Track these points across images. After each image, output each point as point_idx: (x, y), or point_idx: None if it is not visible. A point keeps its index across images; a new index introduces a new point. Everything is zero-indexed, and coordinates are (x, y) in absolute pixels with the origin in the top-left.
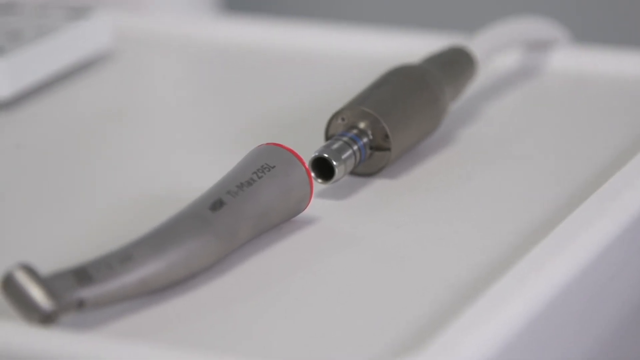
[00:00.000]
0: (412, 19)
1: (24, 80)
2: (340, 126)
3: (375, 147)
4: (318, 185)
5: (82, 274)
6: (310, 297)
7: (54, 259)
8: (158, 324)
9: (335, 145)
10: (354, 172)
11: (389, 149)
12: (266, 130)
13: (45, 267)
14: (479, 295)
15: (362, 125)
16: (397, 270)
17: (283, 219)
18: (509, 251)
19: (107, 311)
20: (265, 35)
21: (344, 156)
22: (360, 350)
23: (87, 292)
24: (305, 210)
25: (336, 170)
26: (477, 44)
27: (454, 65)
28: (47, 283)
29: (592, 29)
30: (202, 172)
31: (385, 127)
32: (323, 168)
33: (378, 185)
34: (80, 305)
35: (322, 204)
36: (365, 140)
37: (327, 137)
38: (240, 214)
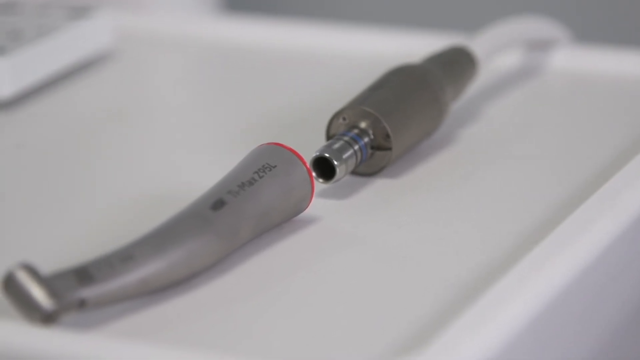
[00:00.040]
0: (413, 18)
1: (24, 80)
2: (342, 126)
3: (376, 147)
4: (319, 184)
5: (83, 274)
6: (311, 297)
7: (55, 258)
8: (159, 324)
9: (337, 145)
10: (355, 172)
11: (390, 149)
12: (267, 129)
13: (46, 266)
14: (480, 295)
15: (363, 124)
16: (398, 270)
17: (284, 219)
18: (509, 251)
19: (108, 311)
20: (266, 35)
21: (345, 156)
22: (361, 350)
23: (88, 292)
24: (306, 209)
25: (337, 170)
26: (478, 44)
27: (455, 65)
28: (48, 283)
29: (593, 29)
30: (203, 172)
31: (386, 126)
32: (324, 168)
33: (379, 185)
34: (82, 304)
35: (323, 203)
36: (366, 139)
37: (328, 136)
38: (241, 213)
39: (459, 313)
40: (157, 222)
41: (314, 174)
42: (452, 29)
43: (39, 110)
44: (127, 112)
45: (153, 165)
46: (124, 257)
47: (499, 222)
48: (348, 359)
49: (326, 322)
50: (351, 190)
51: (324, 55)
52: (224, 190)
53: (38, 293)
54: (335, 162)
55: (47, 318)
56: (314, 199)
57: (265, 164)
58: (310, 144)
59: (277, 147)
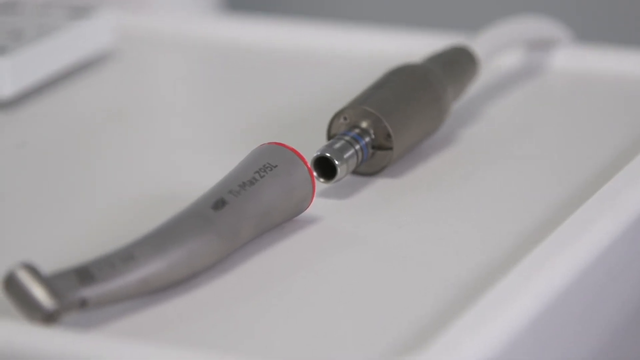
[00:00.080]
0: (414, 18)
1: (25, 80)
2: (343, 125)
3: (377, 147)
4: (320, 184)
5: (85, 274)
6: (312, 297)
7: (56, 258)
8: (160, 324)
9: (338, 145)
10: (356, 172)
11: (391, 149)
12: (268, 129)
13: (47, 266)
14: (480, 295)
15: (364, 124)
16: (399, 269)
17: (285, 219)
18: (510, 251)
19: (110, 310)
20: (266, 35)
21: (346, 155)
22: (362, 349)
23: (90, 292)
24: (308, 209)
25: (338, 169)
26: (479, 44)
27: (456, 65)
28: (49, 282)
29: (594, 29)
30: (203, 172)
31: (388, 126)
32: (325, 167)
33: (380, 185)
34: (83, 304)
35: (324, 203)
36: (367, 139)
37: (329, 136)
38: (242, 213)
39: (460, 313)
40: (157, 222)
41: (315, 173)
42: (452, 29)
43: (39, 110)
44: (127, 112)
45: (153, 165)
46: (125, 257)
47: (500, 222)
48: (349, 359)
49: (327, 322)
50: (352, 190)
51: (325, 55)
52: (225, 189)
53: (39, 293)
54: (336, 162)
55: (48, 318)
56: (315, 198)
57: (267, 164)
58: (311, 144)
59: (278, 147)
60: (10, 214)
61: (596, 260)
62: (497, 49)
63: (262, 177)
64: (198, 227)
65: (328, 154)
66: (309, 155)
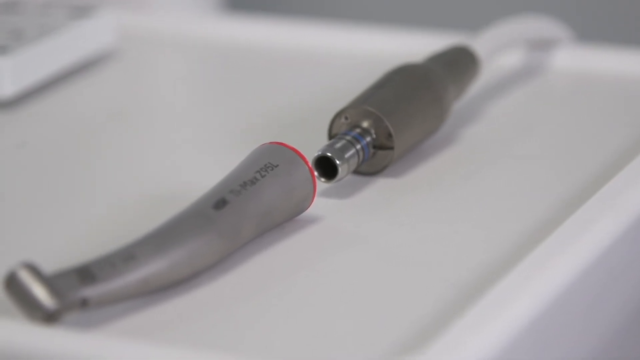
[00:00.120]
0: (415, 18)
1: (27, 79)
2: (344, 125)
3: (378, 146)
4: (321, 184)
5: (86, 273)
6: (313, 297)
7: (57, 258)
8: (161, 323)
9: (339, 144)
10: (357, 171)
11: (392, 148)
12: (269, 129)
13: (48, 266)
14: (482, 294)
15: (365, 124)
16: (399, 269)
17: (286, 218)
18: (511, 251)
19: (111, 310)
20: (267, 34)
21: (347, 155)
22: (363, 349)
23: (91, 291)
24: (309, 209)
25: (339, 169)
26: (480, 43)
27: (457, 65)
28: (50, 282)
29: (595, 28)
30: (204, 171)
31: (389, 126)
32: (326, 167)
33: (381, 185)
34: (84, 304)
35: (325, 203)
36: (368, 139)
37: (330, 136)
38: (243, 212)
39: (461, 313)
40: (158, 221)
41: (316, 173)
42: (453, 29)
43: (40, 109)
44: (128, 111)
45: (154, 165)
46: (126, 257)
47: (501, 221)
48: (350, 359)
49: (328, 321)
50: (353, 190)
51: (326, 55)
52: (226, 189)
53: (40, 292)
54: (337, 162)
55: (49, 317)
56: (316, 198)
57: (267, 163)
58: (312, 144)
59: (279, 147)
60: (11, 214)
61: (597, 260)
62: (498, 48)
63: (263, 176)
64: (199, 227)
65: (329, 154)
66: (310, 154)
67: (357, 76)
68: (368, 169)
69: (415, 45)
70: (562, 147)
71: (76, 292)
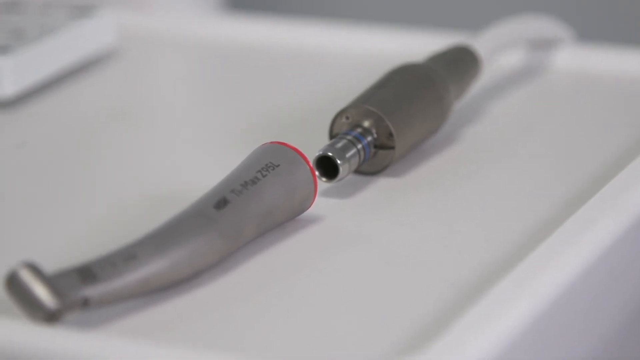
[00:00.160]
0: (416, 17)
1: (28, 79)
2: (345, 125)
3: (379, 146)
4: (322, 183)
5: (87, 273)
6: (314, 296)
7: (58, 258)
8: (162, 323)
9: (340, 144)
10: (358, 171)
11: (393, 148)
12: (270, 128)
13: (49, 266)
14: (483, 294)
15: (366, 123)
16: (401, 269)
17: (287, 218)
18: (512, 250)
19: (112, 310)
20: (268, 34)
21: (348, 155)
22: (364, 349)
23: (92, 291)
24: (310, 208)
25: (340, 168)
26: (481, 43)
27: (459, 64)
28: (51, 281)
29: (596, 28)
30: (205, 171)
31: (390, 125)
32: (327, 167)
33: (382, 184)
34: (85, 303)
35: (326, 202)
36: (369, 138)
37: (331, 135)
38: (244, 212)
39: (462, 312)
40: (159, 221)
41: (317, 172)
42: (454, 28)
43: (41, 109)
44: (129, 111)
45: (155, 165)
46: (127, 256)
47: (502, 221)
48: (351, 359)
49: (329, 321)
50: (354, 189)
51: (327, 54)
52: (227, 189)
53: (41, 292)
54: (339, 161)
55: (50, 317)
56: (317, 198)
57: (269, 163)
58: (314, 143)
59: (280, 146)
60: (12, 214)
61: (598, 260)
62: (499, 48)
63: (264, 176)
64: (200, 227)
65: (330, 153)
66: (311, 154)
67: (358, 76)
68: (369, 169)
69: (416, 45)
70: (563, 146)
71: (77, 292)
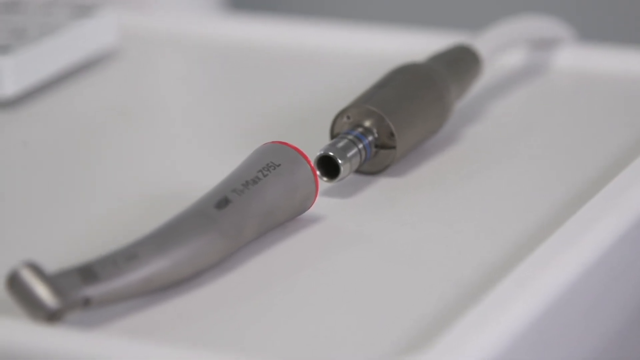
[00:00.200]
0: (417, 17)
1: (29, 79)
2: (346, 124)
3: (380, 146)
4: (323, 183)
5: (88, 272)
6: (315, 296)
7: (59, 257)
8: (163, 322)
9: (341, 144)
10: (359, 171)
11: (394, 147)
12: (271, 128)
13: (50, 265)
14: (485, 294)
15: (367, 123)
16: (402, 268)
17: (288, 217)
18: (514, 250)
19: (113, 309)
20: (269, 34)
21: (349, 154)
22: (366, 348)
23: (93, 290)
24: (311, 208)
25: (341, 168)
26: (482, 43)
27: (460, 64)
28: (52, 281)
29: (597, 28)
30: (206, 171)
31: (391, 125)
32: (328, 166)
33: (383, 184)
34: (86, 303)
35: (327, 202)
36: (370, 138)
37: (332, 135)
38: (245, 212)
39: (463, 312)
40: (160, 221)
41: (318, 172)
42: (455, 28)
43: (42, 109)
44: (130, 111)
45: (156, 165)
46: (129, 256)
47: (503, 220)
48: (352, 358)
49: (330, 321)
50: (355, 189)
51: (328, 54)
52: (229, 188)
53: (42, 291)
54: (340, 161)
55: (51, 316)
56: (318, 197)
57: (270, 163)
58: (315, 143)
59: (281, 146)
60: (12, 214)
61: (599, 260)
62: (500, 48)
63: (265, 176)
64: (201, 226)
65: (331, 153)
66: (312, 154)
67: (359, 75)
68: (370, 169)
69: (417, 45)
70: (564, 146)
71: (78, 292)
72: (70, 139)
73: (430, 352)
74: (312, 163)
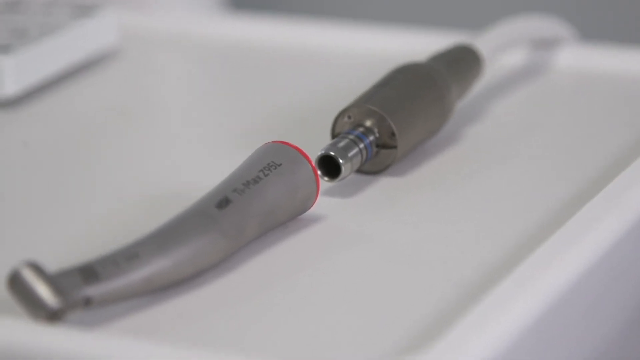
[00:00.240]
0: (418, 17)
1: (29, 78)
2: (347, 124)
3: (381, 145)
4: (324, 183)
5: (89, 272)
6: (316, 295)
7: (60, 257)
8: (164, 322)
9: (342, 144)
10: (360, 170)
11: (395, 147)
12: (272, 128)
13: (51, 265)
14: (486, 294)
15: (368, 123)
16: (403, 268)
17: (289, 217)
18: (514, 250)
19: (114, 309)
20: (270, 34)
21: (350, 154)
22: (366, 348)
23: (94, 290)
24: (312, 208)
25: (342, 168)
26: (483, 42)
27: (461, 64)
28: (53, 281)
29: (597, 28)
30: (207, 170)
31: (392, 125)
32: (329, 166)
33: (384, 183)
34: (87, 302)
35: (328, 201)
36: (371, 138)
37: (334, 135)
38: (246, 212)
39: (464, 312)
40: (161, 221)
41: (319, 172)
42: (457, 28)
43: (42, 108)
44: (131, 110)
45: (156, 164)
46: (129, 256)
47: (504, 220)
48: (353, 358)
49: (331, 320)
50: (356, 189)
51: (329, 54)
52: (229, 188)
53: (43, 291)
54: (341, 161)
55: (52, 316)
56: (319, 197)
57: (271, 162)
58: (316, 143)
59: (282, 146)
60: (12, 214)
61: (600, 260)
62: (501, 47)
63: (266, 175)
64: (202, 226)
65: (332, 153)
66: (313, 153)
67: (359, 75)
68: (371, 168)
69: (418, 45)
70: (565, 146)
71: (79, 291)
72: (71, 139)
73: (431, 352)
74: (313, 163)
